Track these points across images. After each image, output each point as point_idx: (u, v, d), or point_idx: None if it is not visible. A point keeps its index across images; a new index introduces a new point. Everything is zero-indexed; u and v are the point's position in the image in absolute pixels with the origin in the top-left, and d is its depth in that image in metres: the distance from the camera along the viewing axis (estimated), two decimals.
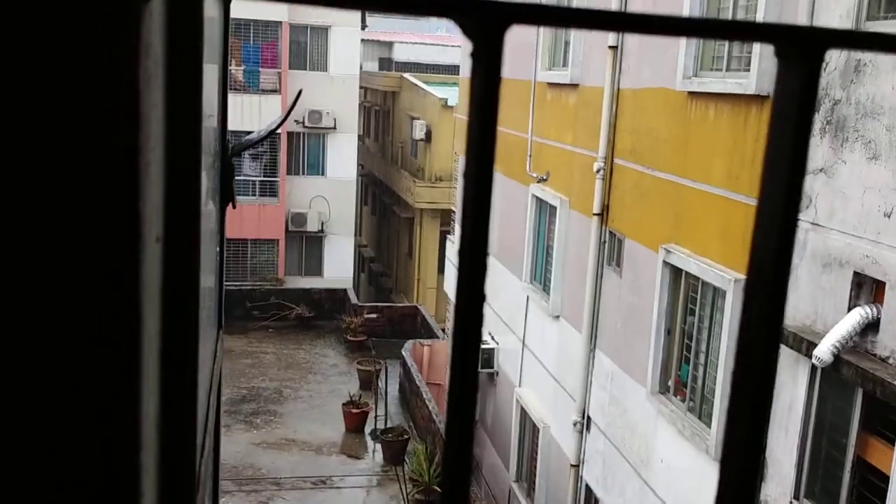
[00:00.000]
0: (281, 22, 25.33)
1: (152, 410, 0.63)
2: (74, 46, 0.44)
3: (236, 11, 26.68)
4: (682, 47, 8.61)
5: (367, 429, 17.67)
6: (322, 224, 26.80)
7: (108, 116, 0.46)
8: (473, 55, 0.47)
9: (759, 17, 7.36)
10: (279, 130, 25.32)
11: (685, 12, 8.54)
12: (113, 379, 0.51)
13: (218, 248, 1.73)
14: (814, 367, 6.51)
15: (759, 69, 7.35)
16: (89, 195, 0.47)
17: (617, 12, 0.48)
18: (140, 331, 0.52)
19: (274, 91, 25.44)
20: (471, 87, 0.48)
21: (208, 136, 1.42)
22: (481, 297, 0.49)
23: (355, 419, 17.64)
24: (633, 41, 9.94)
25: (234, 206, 1.76)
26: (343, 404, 17.86)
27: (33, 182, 0.46)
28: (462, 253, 0.49)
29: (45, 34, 0.44)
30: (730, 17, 8.11)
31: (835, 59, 6.50)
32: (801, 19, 6.82)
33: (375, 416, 17.55)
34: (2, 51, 0.44)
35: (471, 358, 0.48)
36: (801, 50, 0.50)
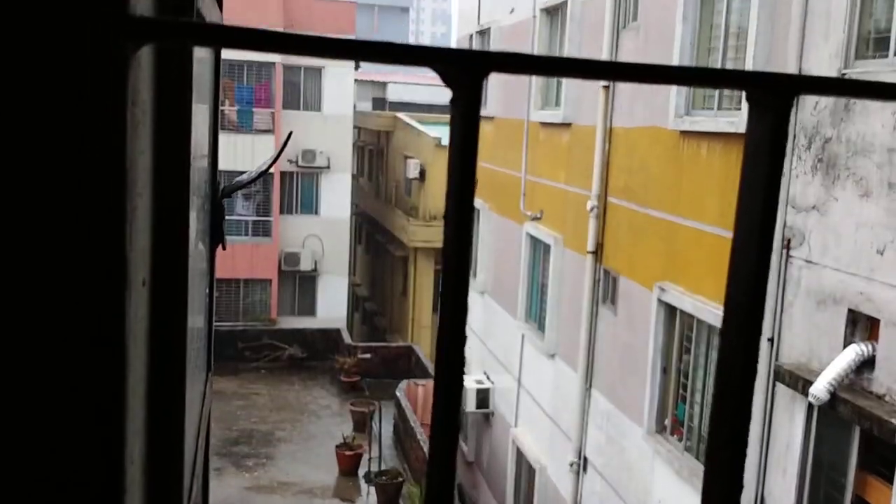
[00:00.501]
0: (274, 63, 25.57)
1: (138, 454, 0.62)
2: (62, 95, 0.45)
3: (229, 53, 27.04)
4: (674, 86, 8.69)
5: (361, 471, 17.46)
6: (315, 263, 26.77)
7: (94, 163, 0.46)
8: (452, 102, 0.47)
9: (749, 56, 7.45)
10: (272, 170, 25.41)
11: (675, 51, 8.64)
12: (96, 422, 0.51)
13: (207, 290, 1.71)
14: (810, 406, 6.46)
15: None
16: (75, 240, 0.47)
17: (590, 60, 0.48)
18: (125, 374, 0.52)
19: (268, 131, 25.58)
20: (451, 132, 0.48)
21: (199, 177, 1.42)
22: (462, 337, 0.48)
23: (349, 462, 17.44)
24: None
25: (223, 248, 1.74)
26: (336, 446, 17.66)
27: (19, 225, 0.46)
28: (444, 296, 0.48)
29: (35, 81, 0.44)
30: (720, 55, 8.21)
31: (824, 97, 6.57)
32: (791, 58, 6.90)
33: (369, 459, 17.36)
34: None
35: (453, 407, 0.46)
36: (771, 96, 0.50)
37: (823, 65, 6.59)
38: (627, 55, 9.97)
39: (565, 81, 11.60)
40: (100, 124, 0.45)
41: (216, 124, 1.75)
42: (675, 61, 8.68)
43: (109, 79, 0.44)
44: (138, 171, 0.54)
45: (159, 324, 0.67)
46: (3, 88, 0.43)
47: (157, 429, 0.70)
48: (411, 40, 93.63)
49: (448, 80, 0.46)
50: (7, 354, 0.48)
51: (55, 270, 0.47)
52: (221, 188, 1.74)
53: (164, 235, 0.67)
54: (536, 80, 12.63)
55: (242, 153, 24.91)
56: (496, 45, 14.62)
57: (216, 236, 1.64)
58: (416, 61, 0.46)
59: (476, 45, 15.68)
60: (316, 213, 27.08)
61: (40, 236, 0.46)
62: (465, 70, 0.45)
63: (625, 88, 10.02)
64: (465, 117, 0.45)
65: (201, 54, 1.33)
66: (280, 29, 28.46)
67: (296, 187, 26.94)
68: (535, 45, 12.64)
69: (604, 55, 10.25)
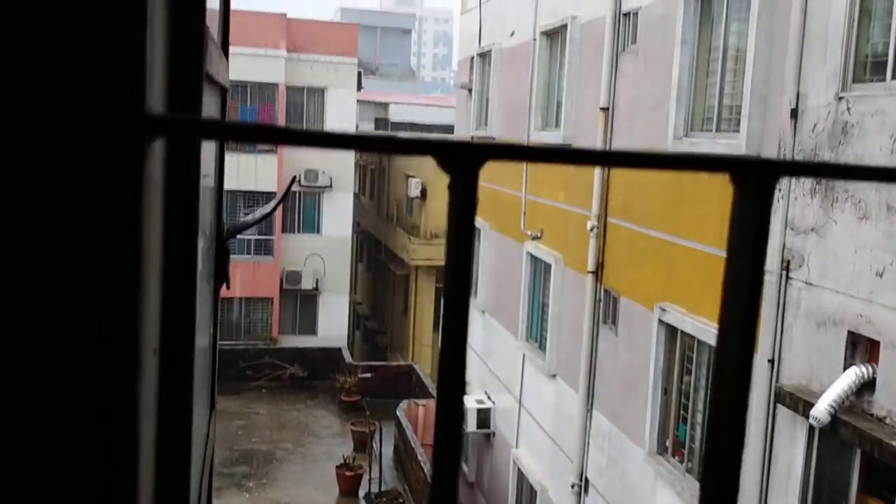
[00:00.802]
0: (278, 84, 25.71)
1: None
2: (80, 190, 0.47)
3: (233, 74, 27.05)
4: (673, 108, 8.76)
5: (362, 492, 17.38)
6: (317, 282, 26.79)
7: (110, 250, 0.48)
8: (450, 187, 0.50)
9: (748, 79, 7.51)
10: (274, 189, 25.49)
11: (674, 74, 8.71)
12: (109, 492, 0.52)
13: (211, 330, 1.74)
14: (811, 428, 6.47)
15: (748, 130, 7.47)
16: (90, 315, 0.49)
17: (582, 149, 0.51)
18: (137, 444, 0.54)
19: (271, 151, 25.68)
20: (449, 214, 0.51)
21: (204, 218, 1.45)
22: (463, 366, 0.51)
23: (349, 482, 17.36)
24: (624, 102, 10.11)
25: (227, 287, 1.78)
26: (337, 467, 17.60)
27: (39, 300, 0.48)
28: (440, 380, 0.51)
29: (61, 168, 0.47)
30: (718, 77, 8.27)
31: (822, 119, 6.62)
32: (789, 81, 6.96)
33: (370, 479, 17.29)
34: (16, 181, 0.47)
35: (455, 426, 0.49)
36: (754, 179, 0.53)
37: (821, 87, 6.64)
38: (627, 78, 10.04)
39: (565, 102, 11.68)
40: (116, 214, 0.48)
41: (222, 161, 1.79)
42: (673, 84, 8.74)
43: (126, 172, 0.47)
44: (150, 249, 0.57)
45: (167, 388, 0.70)
46: (31, 183, 0.46)
47: (163, 489, 0.73)
48: (413, 62, 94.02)
49: (446, 168, 0.49)
50: (18, 422, 0.49)
51: (71, 339, 0.49)
52: (226, 229, 1.78)
53: (173, 305, 0.70)
54: (536, 101, 12.70)
55: (246, 173, 25.01)
56: (497, 66, 14.72)
57: (220, 277, 1.67)
58: (416, 151, 0.50)
59: (477, 67, 15.78)
60: (318, 231, 27.15)
61: (60, 311, 0.48)
62: (463, 159, 0.49)
63: (624, 109, 10.08)
64: (463, 202, 0.49)
65: (210, 94, 1.37)
66: (283, 52, 28.48)
67: (298, 206, 27.01)
68: (535, 68, 12.73)
69: (603, 78, 10.33)
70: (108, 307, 0.48)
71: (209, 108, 1.28)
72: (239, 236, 25.95)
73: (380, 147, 0.50)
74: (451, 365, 0.50)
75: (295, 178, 3.29)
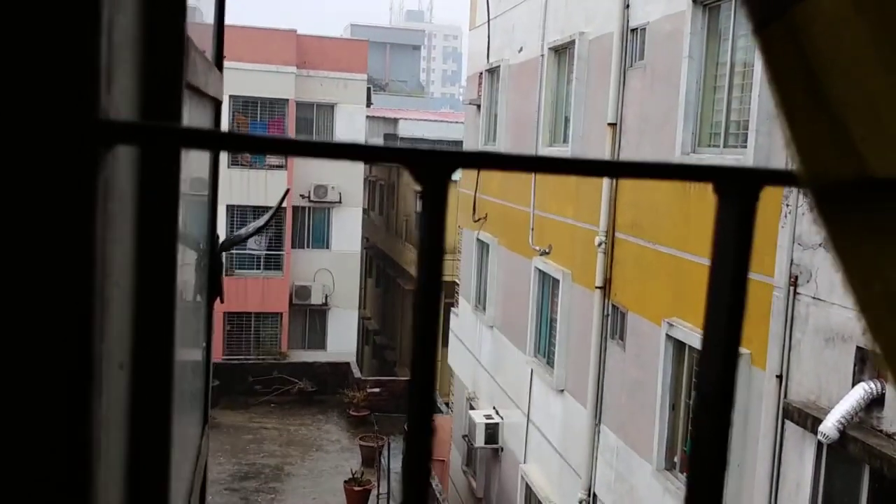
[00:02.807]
0: (288, 99, 25.84)
1: None
2: (30, 197, 0.46)
3: (244, 89, 26.94)
4: (680, 123, 8.76)
5: None
6: (326, 297, 26.81)
7: (59, 259, 0.47)
8: (421, 196, 0.50)
9: (755, 93, 7.51)
10: (284, 205, 25.57)
11: (682, 89, 8.71)
12: None
13: (205, 344, 1.74)
14: (820, 444, 6.41)
15: (755, 145, 7.46)
16: (39, 332, 0.48)
17: (556, 158, 0.51)
18: (91, 462, 0.51)
19: (280, 167, 25.79)
20: (420, 222, 0.51)
21: (197, 232, 1.45)
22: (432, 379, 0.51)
23: (358, 497, 17.30)
24: (632, 117, 10.12)
25: (221, 301, 1.78)
26: (345, 482, 17.55)
27: None
28: (412, 378, 0.51)
29: (2, 173, 0.46)
30: (725, 92, 8.27)
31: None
32: None
33: (378, 495, 17.23)
34: None
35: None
36: (738, 188, 0.53)
37: None
38: (634, 93, 10.05)
39: (573, 117, 11.70)
40: (67, 223, 0.47)
41: (216, 176, 1.80)
42: (681, 99, 8.75)
43: (77, 181, 0.46)
44: (113, 262, 0.56)
45: (142, 400, 0.70)
46: None
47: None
48: (423, 78, 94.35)
49: (417, 177, 0.50)
50: None
51: (22, 375, 0.47)
52: (220, 242, 1.79)
53: (149, 321, 0.69)
54: (544, 118, 12.73)
55: (256, 189, 25.11)
56: (505, 82, 14.76)
57: (214, 290, 1.68)
58: (387, 160, 0.50)
59: (486, 83, 15.83)
60: (327, 247, 27.19)
61: (4, 330, 0.47)
62: (432, 168, 0.49)
63: (632, 125, 10.09)
64: (433, 210, 0.49)
65: (199, 106, 1.38)
66: (293, 68, 28.61)
67: (307, 222, 27.09)
68: (543, 83, 12.76)
69: (611, 94, 10.35)
70: (57, 320, 0.47)
71: (198, 119, 1.28)
72: (248, 251, 26.05)
73: (349, 155, 0.50)
74: (420, 377, 0.51)
75: (288, 190, 3.32)
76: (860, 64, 0.43)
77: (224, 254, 1.96)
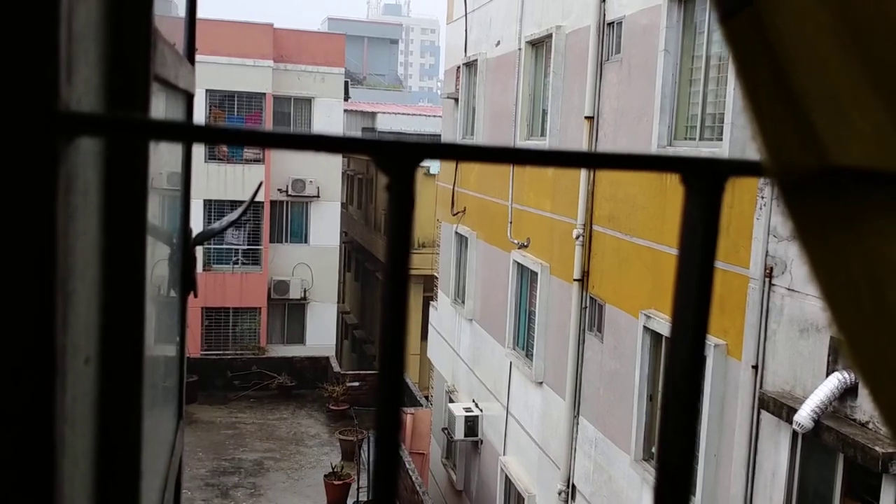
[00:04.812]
0: (265, 93, 25.70)
1: None
2: None
3: (220, 83, 26.74)
4: (657, 116, 8.81)
5: (350, 501, 17.32)
6: (305, 291, 26.73)
7: (17, 253, 0.46)
8: (388, 188, 0.50)
9: (730, 87, 7.56)
10: (262, 199, 25.46)
11: (658, 83, 8.76)
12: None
13: (178, 338, 1.73)
14: (795, 434, 6.49)
15: (731, 138, 7.51)
16: None
17: (517, 149, 0.51)
18: (53, 459, 0.50)
19: (257, 161, 25.65)
20: (388, 214, 0.52)
21: (169, 225, 1.44)
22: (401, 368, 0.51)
23: (337, 491, 17.30)
24: (608, 111, 10.16)
25: (195, 296, 1.77)
26: (325, 476, 17.53)
27: None
28: (380, 369, 0.52)
29: None
30: (701, 86, 8.32)
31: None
32: None
33: (358, 488, 17.23)
34: None
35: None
36: (704, 179, 0.53)
37: None
38: (611, 87, 10.09)
39: (550, 111, 11.73)
40: (27, 220, 0.46)
41: (189, 168, 1.78)
42: (657, 92, 8.79)
43: (36, 173, 0.45)
44: (77, 255, 0.55)
45: (108, 399, 0.69)
46: None
47: (108, 498, 0.71)
48: (400, 72, 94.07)
49: (383, 168, 0.50)
50: None
51: None
52: (194, 236, 1.78)
53: (116, 313, 0.68)
54: (522, 111, 12.75)
55: (233, 183, 24.97)
56: (483, 76, 14.77)
57: (187, 284, 1.67)
58: (355, 151, 0.50)
59: (463, 77, 15.82)
60: (305, 241, 27.10)
61: None
62: (398, 158, 0.49)
63: (609, 118, 10.13)
64: (399, 201, 0.49)
65: (168, 99, 1.36)
66: (270, 62, 28.48)
67: (285, 216, 26.98)
68: (520, 77, 12.77)
69: (588, 87, 10.38)
70: (17, 313, 0.47)
71: (169, 113, 1.27)
72: (226, 246, 25.90)
73: (315, 146, 0.50)
74: (388, 370, 0.50)
75: (261, 183, 3.31)
76: (821, 54, 0.43)
77: (200, 248, 1.95)
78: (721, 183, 0.53)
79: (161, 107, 1.09)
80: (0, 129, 0.44)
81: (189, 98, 1.62)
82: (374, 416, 0.51)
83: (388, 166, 0.49)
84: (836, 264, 0.47)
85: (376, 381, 0.51)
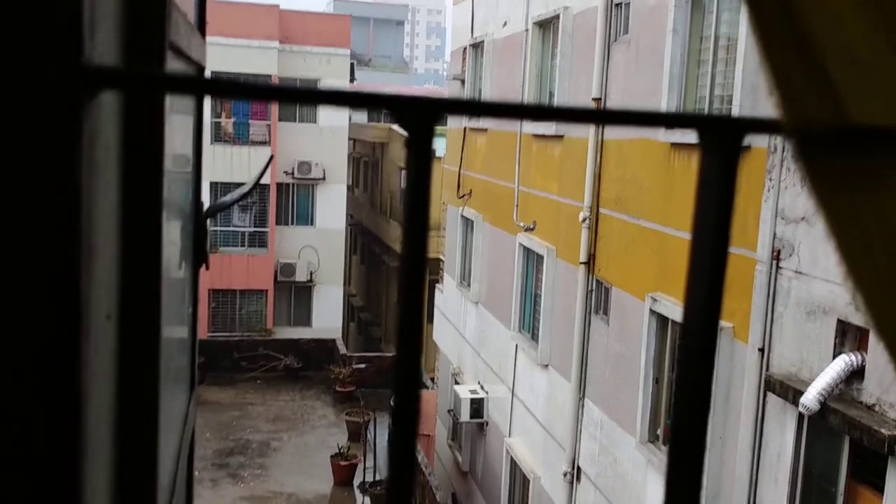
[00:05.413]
0: (271, 75, 25.64)
1: (103, 485, 0.63)
2: (16, 143, 0.46)
3: (226, 65, 26.74)
4: (665, 97, 8.76)
5: (356, 481, 17.44)
6: (311, 274, 26.78)
7: (44, 209, 0.47)
8: (407, 144, 0.50)
9: (739, 68, 7.52)
10: (268, 181, 25.47)
11: (666, 64, 8.71)
12: (50, 465, 0.50)
13: (191, 309, 1.74)
14: (801, 416, 6.50)
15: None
16: (25, 277, 0.48)
17: (531, 106, 0.51)
18: (79, 411, 0.51)
19: (264, 143, 25.64)
20: (407, 172, 0.52)
21: (181, 197, 1.45)
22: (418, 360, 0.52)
23: (344, 472, 17.42)
24: (616, 92, 10.11)
25: (206, 268, 1.78)
26: (331, 456, 17.65)
27: None
28: (399, 333, 0.52)
29: None
30: (710, 66, 8.27)
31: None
32: None
33: (364, 469, 17.34)
34: None
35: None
36: (721, 137, 0.53)
37: None
38: (618, 68, 10.04)
39: (558, 93, 11.68)
40: (53, 171, 0.47)
41: (200, 141, 1.79)
42: (665, 73, 8.75)
43: (62, 127, 0.46)
44: (99, 211, 0.56)
45: (128, 355, 0.70)
46: None
47: (127, 459, 0.72)
48: (406, 53, 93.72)
49: (404, 124, 0.50)
50: None
51: (9, 313, 0.47)
52: (206, 208, 1.78)
53: (134, 270, 0.69)
54: (528, 92, 12.69)
55: (239, 165, 24.97)
56: (489, 57, 14.70)
57: (199, 256, 1.68)
58: (374, 106, 0.50)
59: (470, 58, 15.76)
60: (311, 224, 27.12)
61: None
62: (418, 113, 0.49)
63: (616, 100, 10.09)
64: (419, 156, 0.49)
65: (181, 68, 1.37)
66: (276, 43, 28.47)
67: (292, 199, 26.99)
68: (527, 58, 12.71)
69: (595, 68, 10.33)
70: (45, 260, 0.47)
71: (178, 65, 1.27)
72: (233, 228, 25.94)
73: (333, 101, 0.50)
74: (406, 346, 0.51)
75: (272, 156, 3.32)
76: (839, 6, 0.43)
77: (208, 226, 1.96)
78: (738, 141, 0.53)
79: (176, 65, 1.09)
80: (27, 83, 0.45)
81: (200, 70, 1.62)
82: (393, 381, 0.52)
83: (409, 122, 0.50)
84: (850, 219, 0.47)
85: (392, 364, 0.51)
